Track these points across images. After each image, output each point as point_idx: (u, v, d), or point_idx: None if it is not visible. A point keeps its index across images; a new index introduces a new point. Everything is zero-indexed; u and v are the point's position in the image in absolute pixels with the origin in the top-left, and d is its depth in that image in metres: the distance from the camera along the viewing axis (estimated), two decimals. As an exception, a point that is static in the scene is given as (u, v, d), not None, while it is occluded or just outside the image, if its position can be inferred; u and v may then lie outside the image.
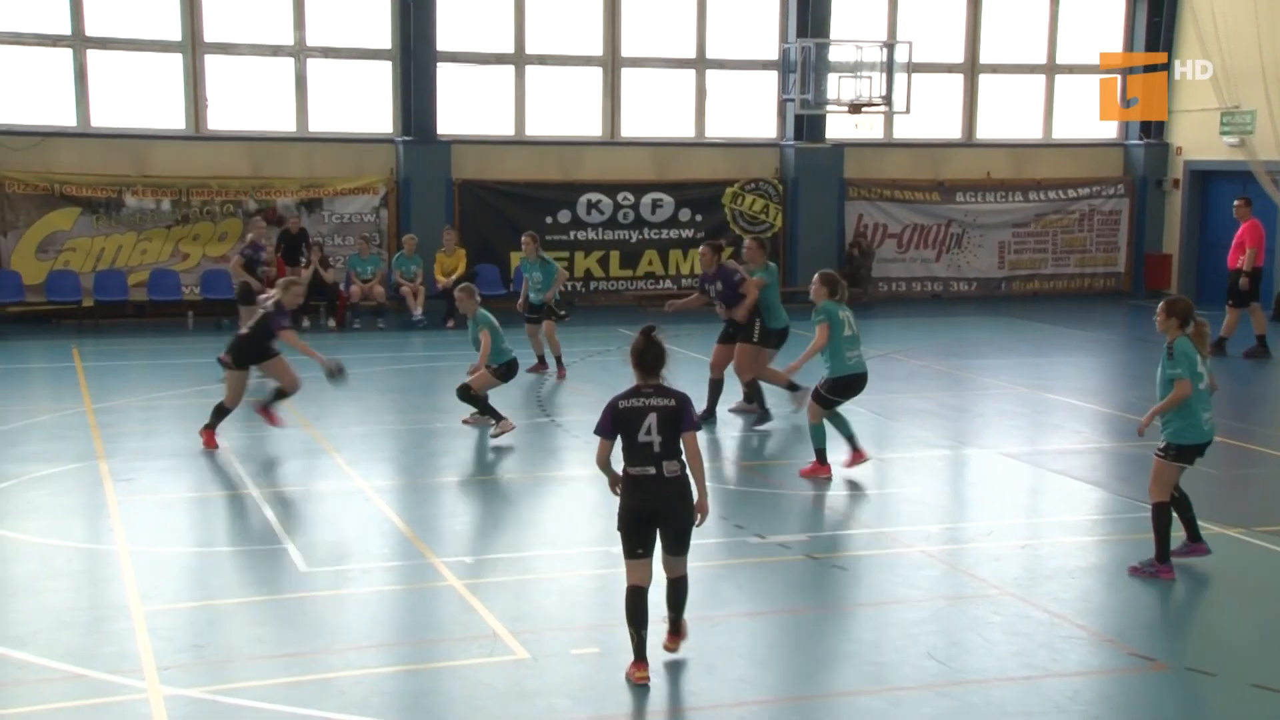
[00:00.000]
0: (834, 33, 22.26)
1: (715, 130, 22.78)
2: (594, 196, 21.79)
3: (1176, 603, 8.43)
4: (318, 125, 21.00)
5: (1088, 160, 24.16)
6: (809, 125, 22.41)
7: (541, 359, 15.90)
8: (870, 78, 21.80)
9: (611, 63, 22.10)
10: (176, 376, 15.69)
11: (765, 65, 22.70)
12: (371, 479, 11.13)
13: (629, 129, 22.36)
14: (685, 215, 22.18)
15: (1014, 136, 23.99)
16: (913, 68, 22.03)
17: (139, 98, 20.30)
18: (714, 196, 22.27)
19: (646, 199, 21.99)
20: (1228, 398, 15.49)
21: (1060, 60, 23.99)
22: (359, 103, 21.22)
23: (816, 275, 11.11)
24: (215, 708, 6.66)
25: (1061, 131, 24.25)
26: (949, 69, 23.58)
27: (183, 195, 19.94)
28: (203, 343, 18.11)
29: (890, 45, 21.91)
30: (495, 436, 12.32)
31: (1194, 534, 8.88)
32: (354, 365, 15.95)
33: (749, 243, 13.58)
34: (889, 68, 21.74)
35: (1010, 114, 24.03)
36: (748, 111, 22.92)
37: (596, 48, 22.03)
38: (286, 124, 20.91)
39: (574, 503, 10.73)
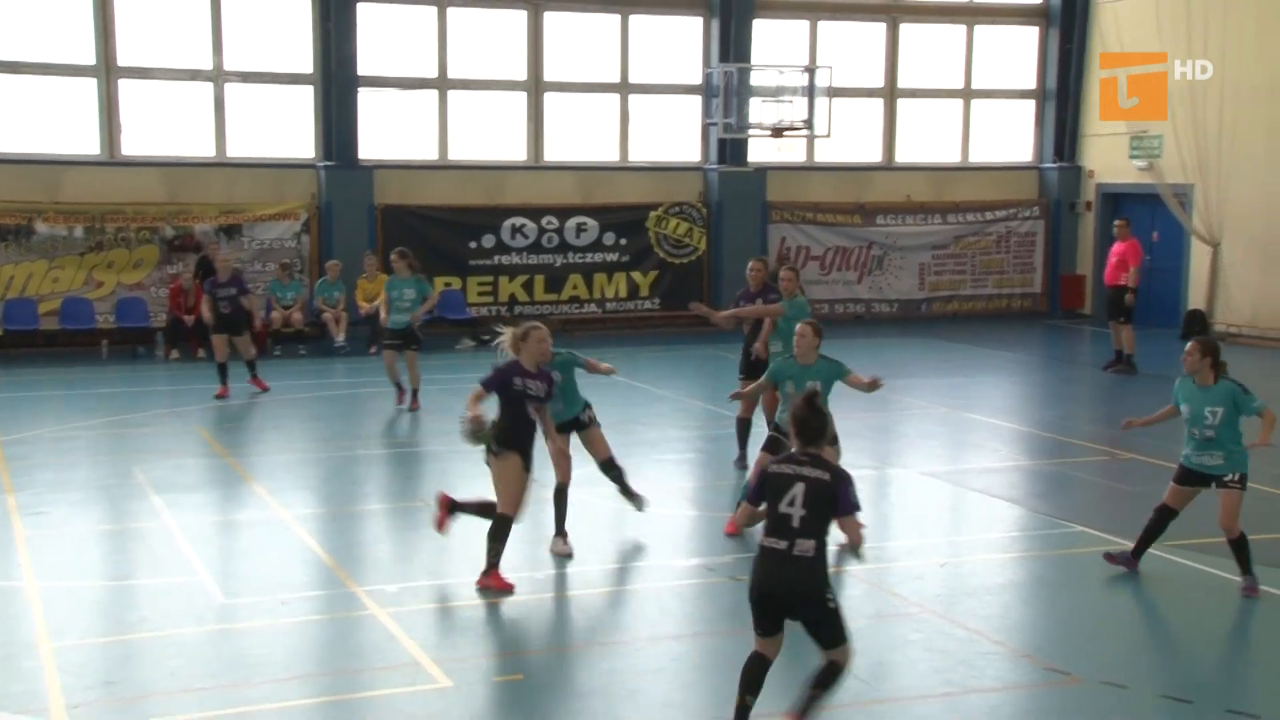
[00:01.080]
0: (756, 58, 22.48)
1: (639, 154, 22.88)
2: (518, 221, 21.77)
3: (1092, 617, 8.56)
4: (237, 150, 20.78)
5: (1004, 183, 24.58)
6: (732, 149, 22.59)
7: (400, 387, 15.06)
8: (792, 102, 22.04)
9: (535, 87, 22.12)
10: (90, 407, 15.42)
11: (688, 90, 22.86)
12: (292, 508, 11.00)
13: (553, 153, 22.39)
14: (610, 239, 22.23)
15: (933, 160, 24.35)
16: (834, 92, 22.30)
17: (51, 123, 19.99)
18: (638, 220, 22.35)
19: (571, 223, 22.02)
20: (1135, 413, 15.81)
21: (976, 85, 24.42)
22: (279, 128, 21.05)
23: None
24: (129, 744, 6.54)
25: (978, 155, 24.66)
26: (869, 94, 23.89)
27: (96, 222, 19.60)
28: (117, 372, 17.84)
29: (811, 70, 22.17)
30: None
31: (1140, 552, 9.12)
32: (275, 392, 15.85)
33: (785, 273, 12.23)
34: (810, 92, 21.98)
35: (929, 138, 24.40)
36: (671, 135, 23.06)
37: (520, 72, 22.05)
38: (205, 149, 20.67)
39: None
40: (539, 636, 8.29)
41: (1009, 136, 24.82)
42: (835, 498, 6.20)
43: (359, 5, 20.83)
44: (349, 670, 7.59)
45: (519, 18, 21.96)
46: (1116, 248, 18.36)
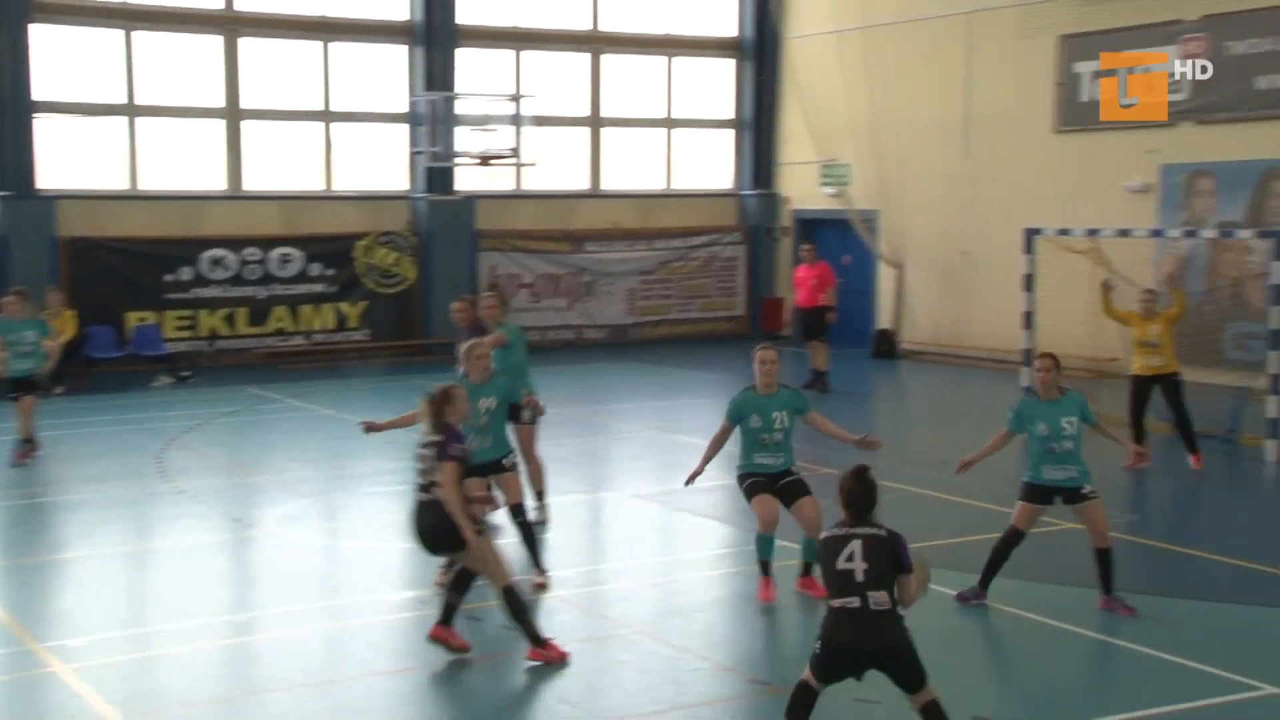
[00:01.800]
0: (461, 86, 22.46)
1: (344, 183, 22.46)
2: (218, 252, 20.98)
3: (792, 630, 8.85)
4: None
5: (707, 210, 25.37)
6: (439, 177, 22.47)
7: (29, 440, 13.70)
8: (498, 130, 22.13)
9: (233, 114, 21.41)
10: None
11: (394, 118, 22.60)
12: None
13: (253, 182, 21.70)
14: (316, 269, 21.71)
15: (638, 188, 24.90)
16: (540, 121, 22.52)
17: None
18: (345, 250, 21.91)
19: (274, 254, 21.38)
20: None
21: (677, 115, 25.14)
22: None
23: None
24: None
25: (681, 183, 25.37)
26: (574, 122, 24.24)
27: None
28: None
29: (517, 99, 22.31)
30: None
31: (988, 580, 9.10)
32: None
33: (487, 299, 11.54)
34: (516, 121, 22.13)
35: (634, 166, 24.95)
36: (378, 164, 22.74)
37: (217, 99, 21.29)
38: None
39: (194, 572, 10.18)
40: (242, 682, 7.96)
41: (710, 165, 25.65)
42: (898, 555, 6.16)
43: (31, 26, 19.63)
44: (29, 734, 7.09)
45: (214, 43, 21.22)
46: (807, 272, 19.18)
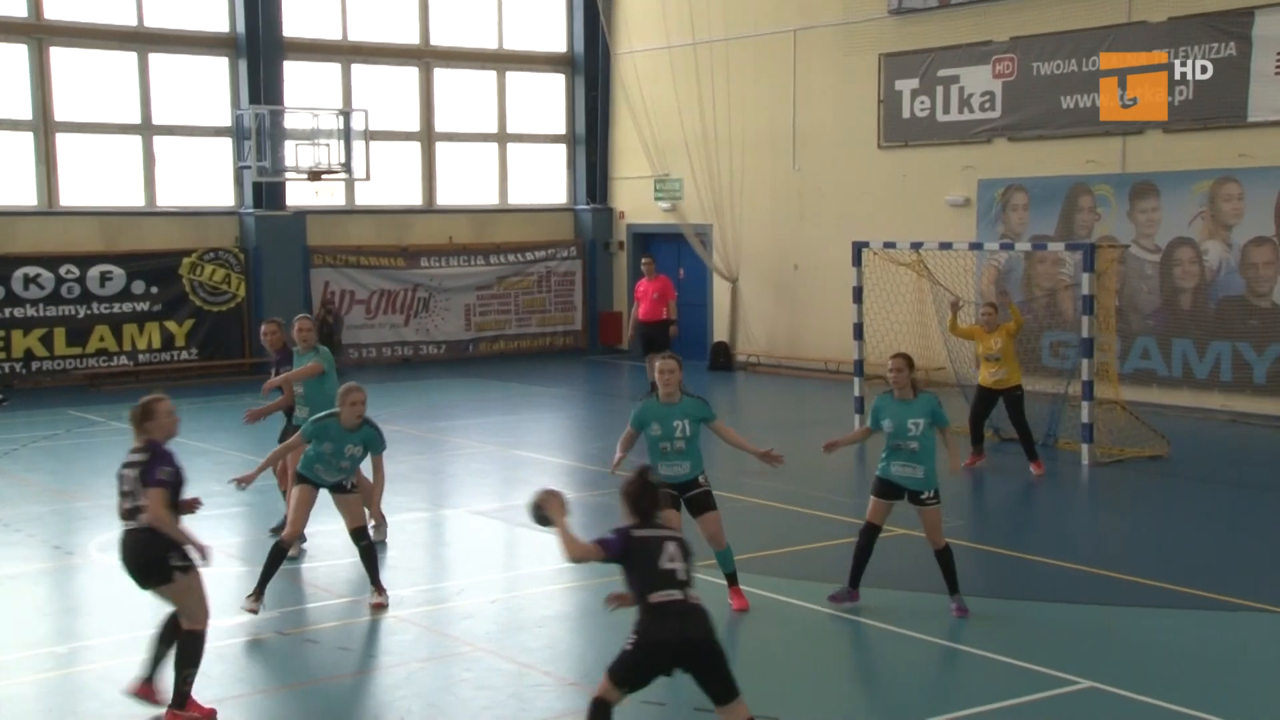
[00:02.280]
0: (288, 100, 22.04)
1: (168, 198, 21.81)
2: (32, 270, 20.16)
3: (616, 638, 8.87)
4: None
5: (543, 224, 25.38)
6: (268, 193, 22.00)
7: None
8: (329, 145, 21.80)
9: (45, 127, 20.61)
10: None
11: (219, 132, 22.06)
12: None
13: (69, 198, 20.92)
14: (139, 287, 21.03)
15: (473, 202, 24.78)
16: (371, 135, 22.25)
17: None
18: (170, 267, 21.28)
19: (94, 271, 20.64)
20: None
21: (510, 130, 25.10)
22: None
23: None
24: None
25: (516, 197, 25.33)
26: (406, 137, 24.01)
27: None
28: None
29: (346, 113, 22.00)
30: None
31: (857, 579, 9.27)
32: None
33: (300, 322, 11.41)
34: (347, 135, 21.84)
35: (468, 181, 24.81)
36: (202, 179, 22.14)
37: (26, 111, 20.46)
38: None
39: (14, 603, 9.74)
40: (68, 714, 7.64)
41: (544, 179, 25.69)
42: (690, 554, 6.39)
43: None
44: None
45: (20, 52, 20.40)
46: (648, 285, 19.34)
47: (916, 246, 16.15)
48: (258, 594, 9.18)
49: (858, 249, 16.35)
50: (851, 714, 7.41)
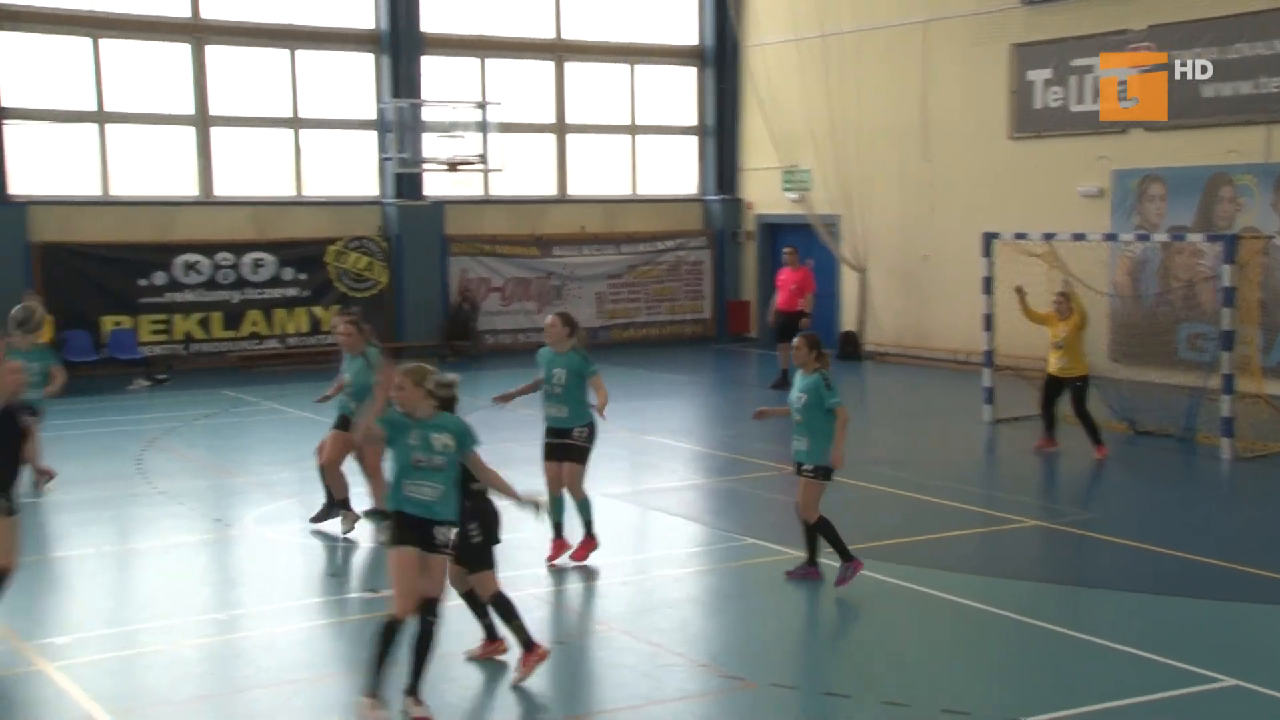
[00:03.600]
0: (428, 94, 22.45)
1: (315, 189, 22.40)
2: (191, 257, 20.89)
3: (765, 625, 8.92)
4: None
5: (672, 214, 25.44)
6: (408, 183, 22.45)
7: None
8: (465, 137, 22.16)
9: (203, 121, 21.32)
10: None
11: (363, 125, 22.57)
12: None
13: (225, 188, 21.62)
14: (289, 274, 21.65)
15: (605, 193, 24.93)
16: (506, 128, 22.55)
17: None
18: (316, 255, 21.86)
19: (247, 259, 21.31)
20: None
21: (641, 122, 25.20)
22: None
23: (556, 316, 10.19)
24: None
25: (646, 188, 25.43)
26: (541, 129, 24.26)
27: None
28: None
29: (483, 106, 22.33)
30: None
31: (813, 558, 9.46)
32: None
33: (344, 327, 11.06)
34: (483, 127, 22.16)
35: (600, 172, 24.99)
36: (348, 170, 22.69)
37: (187, 106, 21.19)
38: None
39: (177, 572, 10.16)
40: (224, 681, 7.95)
41: (675, 170, 25.74)
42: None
43: (2, 34, 19.51)
44: (17, 734, 7.07)
45: (182, 50, 21.12)
46: (789, 275, 19.24)
47: (1049, 237, 15.83)
48: (411, 689, 7.10)
49: (988, 239, 16.10)
50: (979, 701, 7.33)
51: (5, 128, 19.64)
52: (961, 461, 14.27)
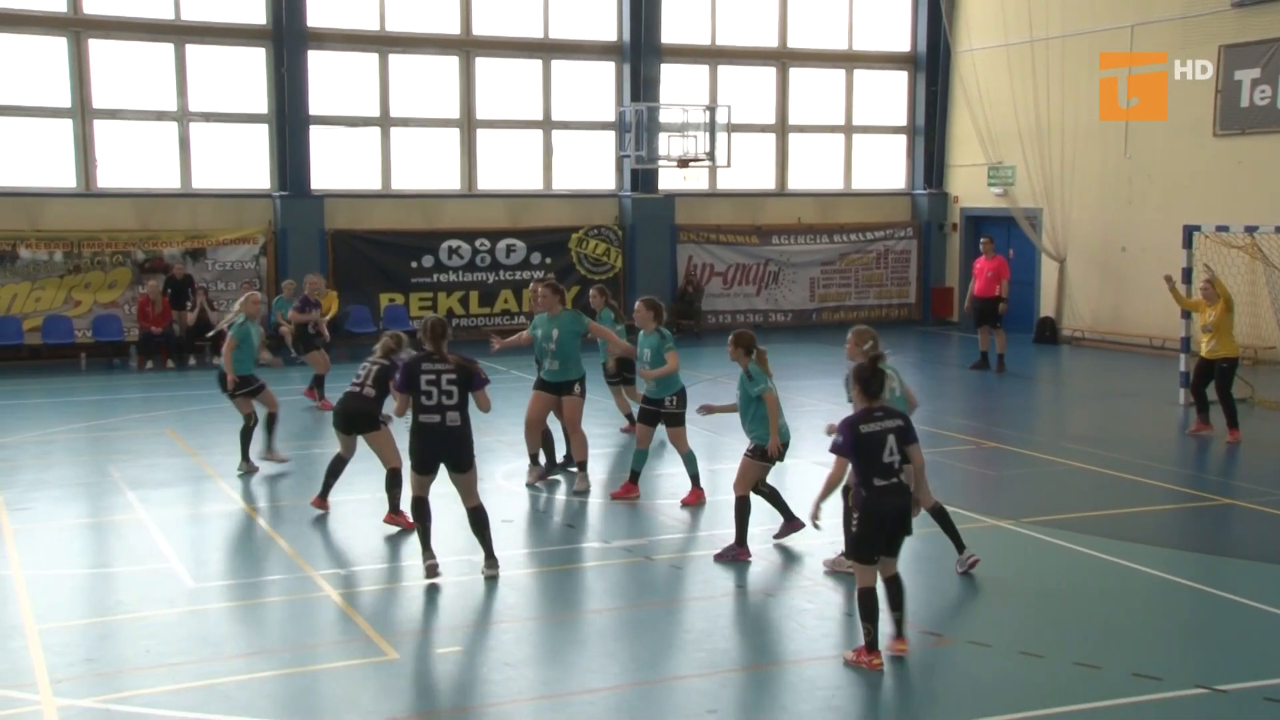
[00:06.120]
0: (663, 97, 22.60)
1: (561, 183, 22.89)
2: (454, 243, 21.68)
3: (957, 584, 8.68)
4: (201, 182, 20.49)
5: (882, 207, 24.94)
6: (643, 178, 22.69)
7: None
8: (695, 136, 22.20)
9: (468, 124, 22.05)
10: (70, 413, 15.07)
11: (604, 126, 22.91)
12: (254, 501, 10.85)
13: (484, 183, 22.33)
14: (536, 258, 22.22)
15: (820, 187, 24.64)
16: (732, 128, 22.50)
17: (31, 159, 19.59)
18: (561, 241, 22.35)
19: (501, 244, 21.98)
20: (999, 407, 16.14)
21: (856, 122, 24.76)
22: (239, 162, 20.77)
23: (643, 302, 10.61)
24: (107, 715, 6.41)
25: (859, 183, 25.00)
26: (763, 129, 24.13)
27: (74, 247, 19.24)
28: (94, 382, 17.52)
29: (712, 109, 22.34)
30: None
31: (790, 515, 9.40)
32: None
33: (542, 290, 11.11)
34: (712, 128, 22.17)
35: (816, 168, 24.69)
36: (590, 166, 23.10)
37: (454, 111, 21.96)
38: (171, 181, 20.36)
39: (448, 518, 10.54)
40: (475, 613, 8.24)
41: (885, 166, 25.20)
42: (906, 432, 6.95)
43: (310, 52, 20.65)
44: (307, 645, 7.51)
45: (452, 63, 21.88)
46: (986, 264, 18.67)
47: (1251, 230, 14.82)
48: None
49: (1189, 232, 15.18)
50: (1169, 668, 6.96)
51: (309, 133, 20.76)
52: (1157, 440, 13.55)
